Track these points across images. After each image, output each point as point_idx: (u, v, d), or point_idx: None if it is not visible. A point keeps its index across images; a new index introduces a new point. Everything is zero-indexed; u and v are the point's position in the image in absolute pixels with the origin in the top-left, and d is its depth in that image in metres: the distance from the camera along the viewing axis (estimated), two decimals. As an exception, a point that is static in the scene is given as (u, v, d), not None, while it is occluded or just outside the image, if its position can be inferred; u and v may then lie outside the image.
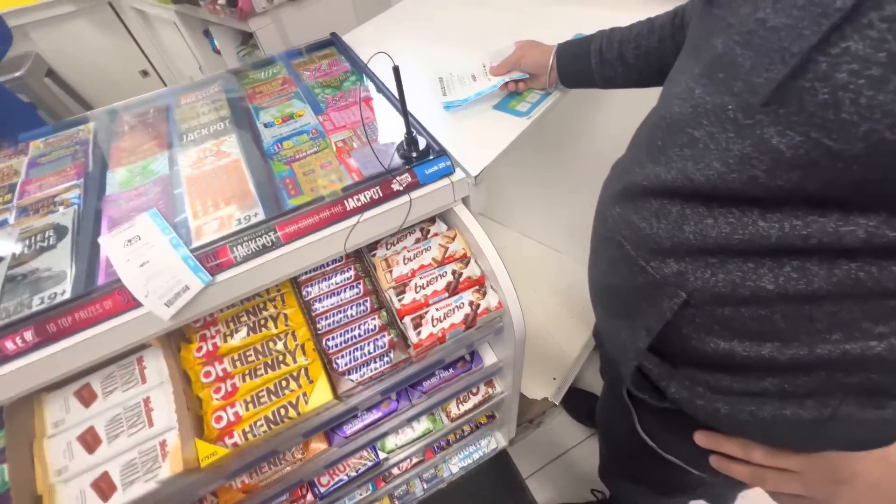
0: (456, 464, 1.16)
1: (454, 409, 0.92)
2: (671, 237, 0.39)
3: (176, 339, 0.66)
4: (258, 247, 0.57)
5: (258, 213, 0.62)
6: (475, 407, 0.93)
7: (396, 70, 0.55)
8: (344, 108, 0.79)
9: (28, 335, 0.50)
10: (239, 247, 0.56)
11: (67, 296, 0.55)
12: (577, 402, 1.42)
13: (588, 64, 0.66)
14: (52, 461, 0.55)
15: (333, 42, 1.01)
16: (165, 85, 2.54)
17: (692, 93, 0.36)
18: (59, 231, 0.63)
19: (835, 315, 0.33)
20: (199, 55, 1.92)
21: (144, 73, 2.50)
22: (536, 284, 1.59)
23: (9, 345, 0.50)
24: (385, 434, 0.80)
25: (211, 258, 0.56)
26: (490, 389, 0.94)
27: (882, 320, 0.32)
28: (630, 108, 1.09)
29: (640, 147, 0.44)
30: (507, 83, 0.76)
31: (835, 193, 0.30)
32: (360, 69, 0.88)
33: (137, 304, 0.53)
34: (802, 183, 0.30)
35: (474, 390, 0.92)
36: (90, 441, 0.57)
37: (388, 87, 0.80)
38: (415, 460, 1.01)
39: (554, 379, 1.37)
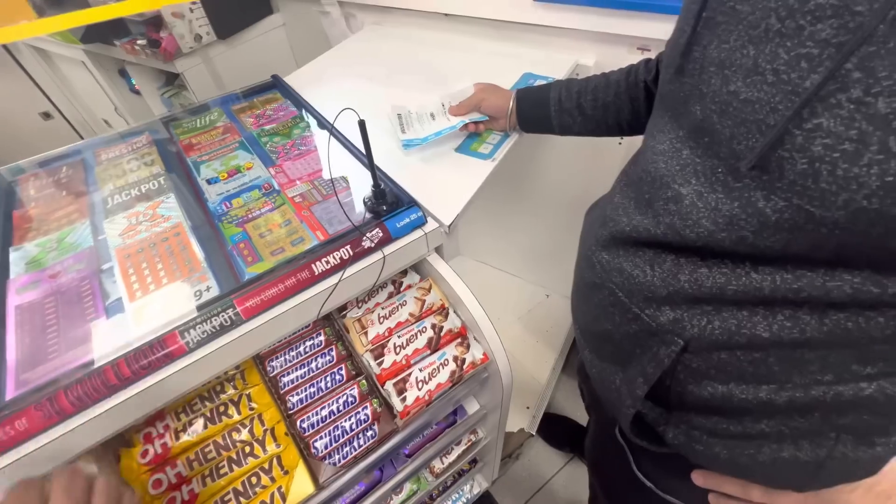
0: (440, 517, 1.09)
1: (437, 464, 0.87)
2: (666, 286, 0.40)
3: (114, 444, 0.55)
4: (214, 328, 0.50)
5: (211, 286, 0.54)
6: (459, 458, 0.88)
7: (362, 124, 0.52)
8: (297, 159, 0.73)
9: None
10: (191, 331, 0.49)
11: (-36, 418, 0.44)
12: (551, 428, 1.41)
13: (548, 111, 0.68)
14: None
15: (276, 85, 0.95)
16: (73, 127, 2.28)
17: (679, 153, 0.38)
18: (-52, 331, 0.51)
19: (825, 359, 0.34)
20: (115, 96, 1.75)
21: (46, 116, 2.23)
22: (498, 311, 1.58)
23: None
24: (369, 508, 0.73)
25: (157, 349, 0.47)
26: (473, 437, 0.90)
27: (870, 363, 0.34)
28: (575, 143, 1.14)
29: (625, 197, 0.45)
30: (466, 124, 0.75)
31: (820, 254, 0.31)
32: (314, 116, 0.83)
33: (64, 417, 0.44)
34: (789, 244, 0.32)
35: (457, 441, 0.88)
36: None
37: (345, 134, 0.76)
38: (398, 524, 0.93)
39: (528, 408, 1.36)
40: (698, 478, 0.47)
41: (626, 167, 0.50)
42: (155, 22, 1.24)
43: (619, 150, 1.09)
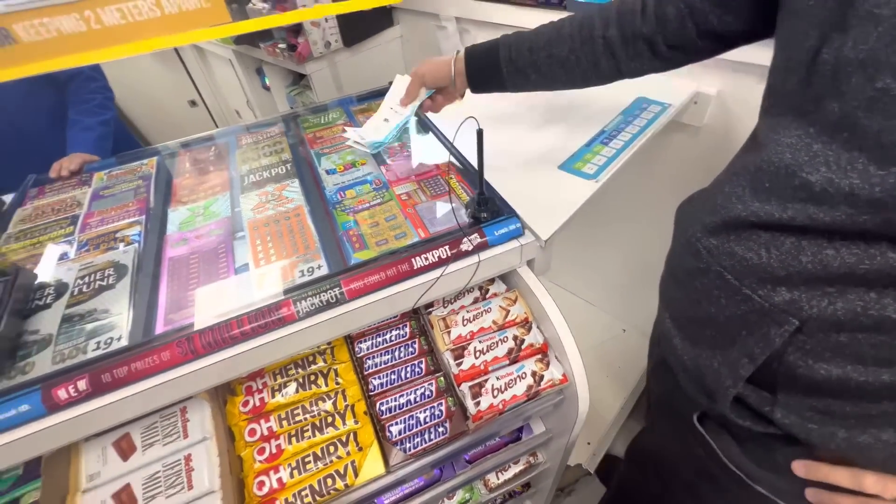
0: (483, 533, 1.07)
1: (493, 478, 0.86)
2: (785, 267, 0.39)
3: (222, 391, 0.63)
4: (322, 302, 0.55)
5: (322, 265, 0.60)
6: (515, 477, 0.86)
7: (480, 133, 0.54)
8: (406, 160, 0.79)
9: (82, 384, 0.48)
10: (302, 301, 0.54)
11: (124, 343, 0.53)
12: (612, 471, 1.32)
13: (500, 73, 0.65)
14: (83, 521, 0.51)
15: (392, 91, 1.02)
16: (211, 115, 2.64)
17: (810, 147, 0.37)
18: (119, 270, 0.62)
19: None
20: (249, 91, 2.00)
21: (193, 104, 2.62)
22: (569, 338, 1.53)
23: (62, 394, 0.48)
24: (422, 505, 0.74)
25: (273, 311, 0.53)
26: (532, 459, 0.87)
27: None
28: (686, 172, 1.08)
29: (737, 186, 0.44)
30: (422, 104, 0.73)
31: None
32: (424, 121, 0.88)
33: (196, 357, 0.51)
34: None
35: (516, 460, 0.86)
36: (126, 502, 0.53)
37: (449, 138, 0.80)
38: (443, 530, 0.94)
39: (588, 444, 1.29)
40: (800, 468, 0.43)
41: (734, 160, 0.50)
42: (295, 28, 1.40)
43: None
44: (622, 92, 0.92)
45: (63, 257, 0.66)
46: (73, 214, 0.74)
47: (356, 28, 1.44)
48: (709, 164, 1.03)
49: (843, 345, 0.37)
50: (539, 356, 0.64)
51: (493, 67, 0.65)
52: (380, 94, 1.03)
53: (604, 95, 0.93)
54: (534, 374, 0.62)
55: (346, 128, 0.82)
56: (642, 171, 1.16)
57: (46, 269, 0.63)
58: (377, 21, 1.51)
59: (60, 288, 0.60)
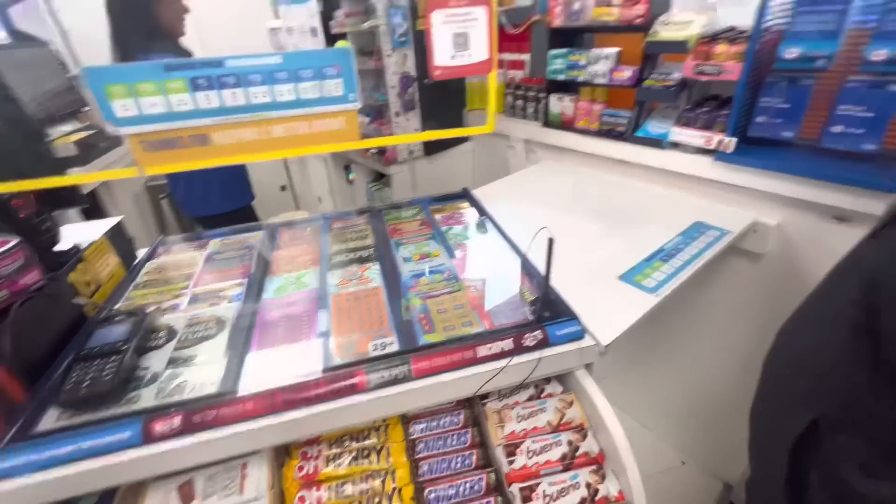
0: None
1: None
2: None
3: (281, 452, 0.66)
4: (390, 377, 0.59)
5: (393, 342, 0.66)
6: None
7: (551, 242, 0.61)
8: (476, 256, 0.87)
9: (176, 421, 0.54)
10: (373, 374, 0.59)
11: (215, 389, 0.59)
12: None
13: None
14: (135, 563, 0.53)
15: (465, 196, 1.16)
16: (296, 200, 3.01)
17: None
18: (220, 324, 0.71)
19: None
20: (335, 183, 2.30)
21: (283, 188, 3.01)
22: (619, 462, 1.40)
23: (158, 427, 0.53)
24: None
25: (347, 378, 0.58)
26: None
27: None
28: (738, 292, 1.07)
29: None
30: None
31: None
32: (494, 224, 0.98)
33: (275, 412, 0.56)
34: None
35: None
36: (177, 550, 0.54)
37: (513, 239, 0.88)
38: None
39: None
40: None
41: None
42: (386, 138, 1.66)
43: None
44: (679, 214, 0.99)
45: (176, 307, 0.77)
46: (189, 272, 0.88)
47: (437, 142, 1.68)
48: (771, 290, 1.03)
49: None
50: (594, 467, 0.61)
51: None
52: (453, 198, 1.17)
53: (661, 216, 0.99)
54: (588, 485, 0.59)
55: None
56: (703, 291, 1.16)
57: (163, 316, 0.74)
58: (455, 137, 1.76)
59: (171, 333, 0.69)
